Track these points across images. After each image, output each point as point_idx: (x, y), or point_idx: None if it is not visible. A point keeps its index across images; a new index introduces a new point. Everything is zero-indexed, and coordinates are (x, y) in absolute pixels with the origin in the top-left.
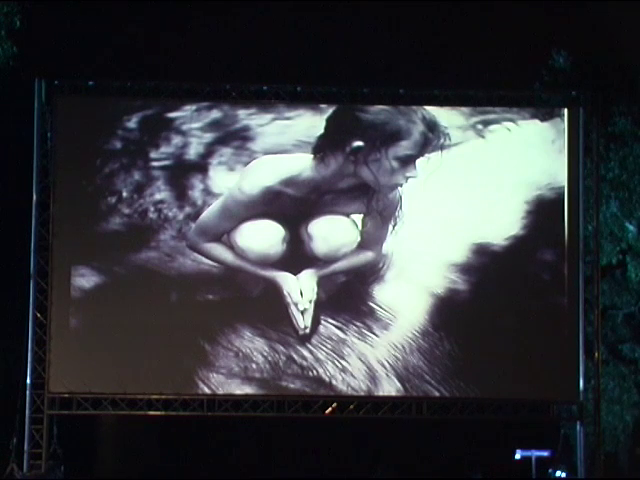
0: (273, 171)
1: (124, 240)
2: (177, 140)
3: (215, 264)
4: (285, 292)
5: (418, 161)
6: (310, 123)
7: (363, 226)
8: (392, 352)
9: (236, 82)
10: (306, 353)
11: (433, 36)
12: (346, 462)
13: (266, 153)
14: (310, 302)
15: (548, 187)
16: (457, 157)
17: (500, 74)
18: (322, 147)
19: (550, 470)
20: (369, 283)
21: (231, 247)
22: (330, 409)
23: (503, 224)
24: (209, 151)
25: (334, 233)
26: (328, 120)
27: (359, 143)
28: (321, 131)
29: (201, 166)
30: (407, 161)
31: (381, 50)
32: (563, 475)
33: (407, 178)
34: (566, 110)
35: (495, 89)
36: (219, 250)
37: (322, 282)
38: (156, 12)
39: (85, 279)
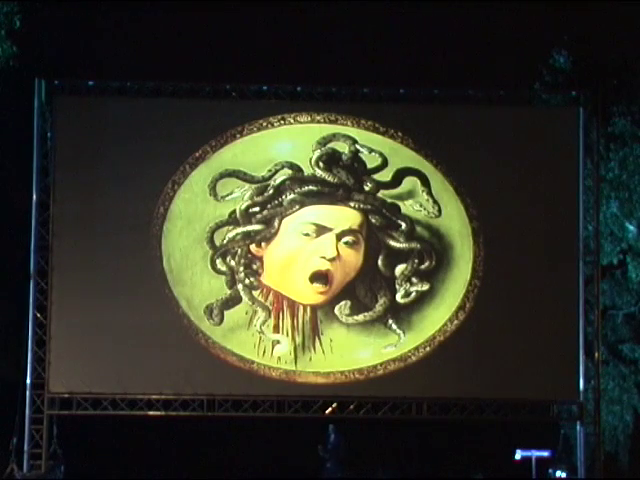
0: None
1: (124, 240)
2: None
3: None
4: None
5: None
6: None
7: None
8: (393, 352)
9: (236, 82)
10: (306, 352)
11: (433, 36)
12: (346, 462)
13: None
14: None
15: (548, 187)
16: (457, 157)
17: (500, 74)
18: None
19: (550, 470)
20: None
21: None
22: (330, 409)
23: None
24: None
25: None
26: None
27: None
28: None
29: None
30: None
31: (381, 50)
32: (563, 475)
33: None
34: (566, 110)
35: (495, 89)
36: None
37: None
38: (156, 12)
39: (85, 279)
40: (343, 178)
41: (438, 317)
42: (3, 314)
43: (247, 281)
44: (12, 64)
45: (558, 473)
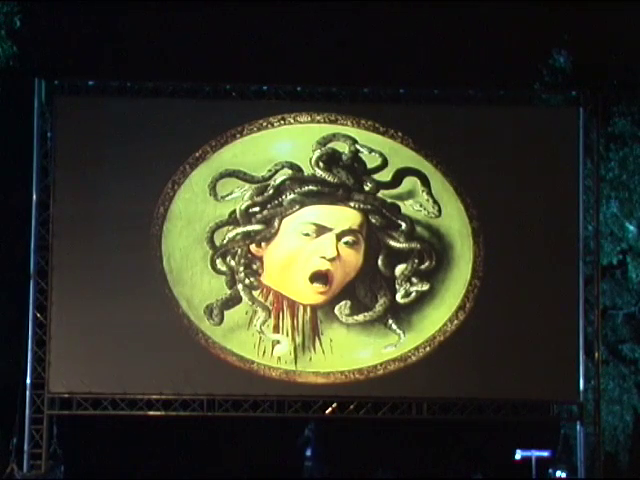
0: None
1: (124, 240)
2: None
3: None
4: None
5: None
6: None
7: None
8: (393, 352)
9: (236, 82)
10: (306, 352)
11: (433, 36)
12: (346, 462)
13: None
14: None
15: (548, 187)
16: (457, 157)
17: (500, 74)
18: None
19: (550, 470)
20: None
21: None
22: (330, 409)
23: None
24: None
25: None
26: None
27: None
28: None
29: None
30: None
31: (381, 50)
32: (563, 475)
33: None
34: (566, 110)
35: (495, 89)
36: None
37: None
38: (156, 12)
39: (85, 279)
40: (343, 178)
41: (438, 317)
42: (3, 314)
43: (247, 281)
44: (12, 64)
45: (558, 473)
